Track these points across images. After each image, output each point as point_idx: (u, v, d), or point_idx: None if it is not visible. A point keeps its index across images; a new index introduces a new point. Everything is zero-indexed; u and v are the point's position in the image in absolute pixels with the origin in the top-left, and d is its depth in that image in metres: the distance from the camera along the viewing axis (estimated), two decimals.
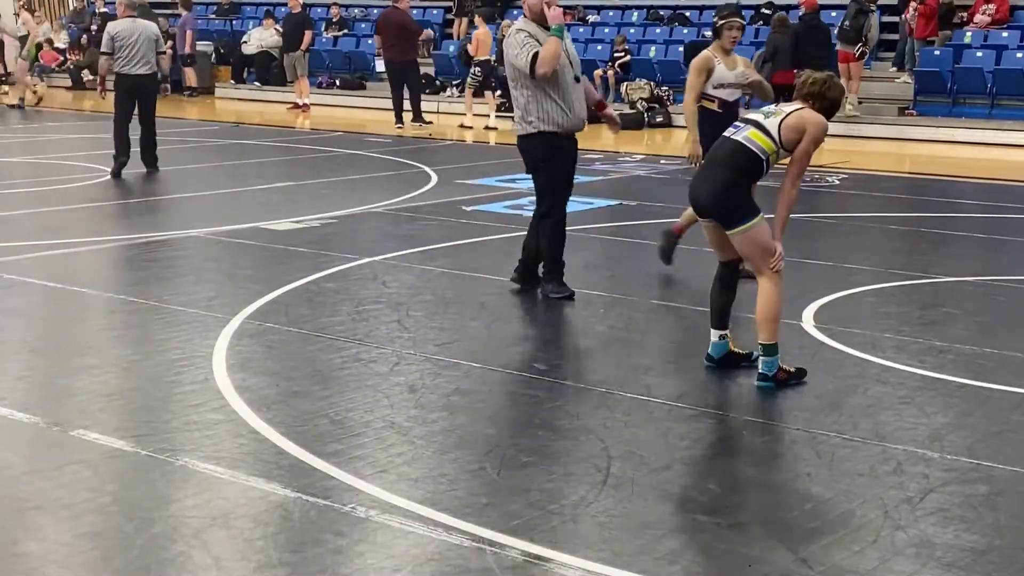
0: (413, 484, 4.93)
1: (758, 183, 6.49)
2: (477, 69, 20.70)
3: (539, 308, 8.00)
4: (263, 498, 4.75)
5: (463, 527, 4.47)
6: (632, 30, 23.85)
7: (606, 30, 24.30)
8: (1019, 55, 19.04)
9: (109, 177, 14.02)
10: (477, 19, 21.61)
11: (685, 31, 23.13)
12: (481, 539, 4.38)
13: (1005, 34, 19.90)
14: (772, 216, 6.34)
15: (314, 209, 11.77)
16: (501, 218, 11.41)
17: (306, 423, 5.65)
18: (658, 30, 23.64)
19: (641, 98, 20.79)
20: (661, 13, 24.53)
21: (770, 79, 19.22)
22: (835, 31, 19.10)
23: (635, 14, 24.88)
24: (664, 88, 21.18)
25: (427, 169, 14.92)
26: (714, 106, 8.69)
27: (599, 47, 23.20)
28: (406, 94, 20.10)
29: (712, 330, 6.50)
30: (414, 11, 27.49)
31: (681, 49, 21.94)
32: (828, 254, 8.21)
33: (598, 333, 7.54)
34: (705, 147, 8.09)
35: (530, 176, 8.43)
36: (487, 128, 20.28)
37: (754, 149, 6.25)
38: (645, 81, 21.15)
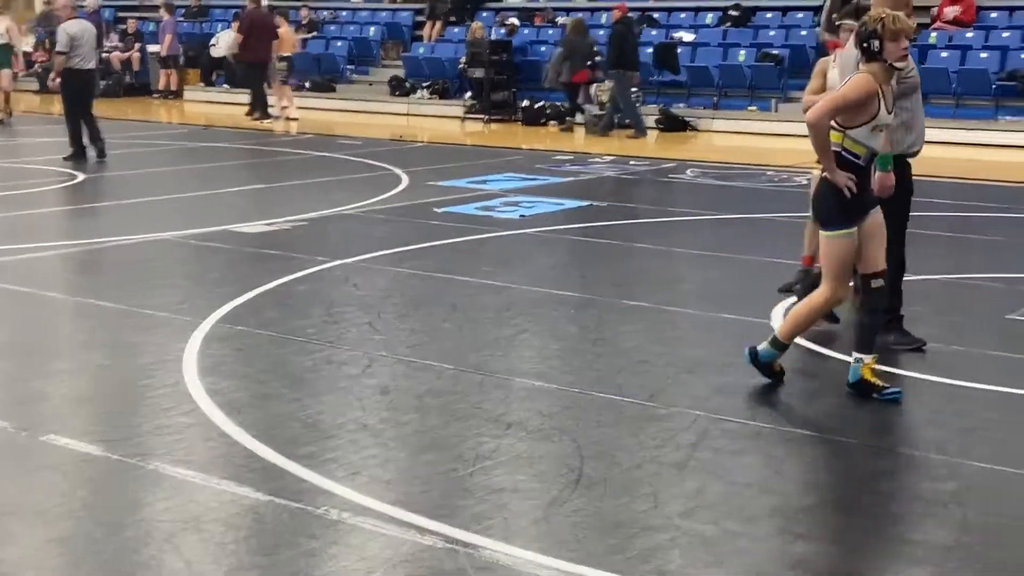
0: (386, 486, 4.93)
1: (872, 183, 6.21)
2: (283, 64, 22.07)
3: (511, 310, 8.01)
4: (235, 501, 4.73)
5: (436, 528, 4.47)
6: (601, 32, 23.89)
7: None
8: (983, 55, 19.20)
9: (78, 177, 14.06)
10: (278, 18, 22.67)
11: (654, 32, 23.19)
12: (454, 540, 4.38)
13: (970, 34, 20.05)
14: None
15: (285, 211, 11.74)
16: (472, 219, 11.41)
17: (278, 426, 5.63)
18: None
19: (610, 100, 20.82)
20: (631, 15, 24.57)
21: (569, 79, 19.88)
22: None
23: (604, 16, 24.92)
24: (633, 89, 21.21)
25: (398, 171, 14.91)
26: None
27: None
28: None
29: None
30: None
31: (650, 51, 22.00)
32: (799, 253, 8.27)
33: (570, 334, 7.55)
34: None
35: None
36: (288, 119, 21.57)
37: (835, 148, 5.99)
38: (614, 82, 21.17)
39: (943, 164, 15.93)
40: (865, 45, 5.88)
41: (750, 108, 20.51)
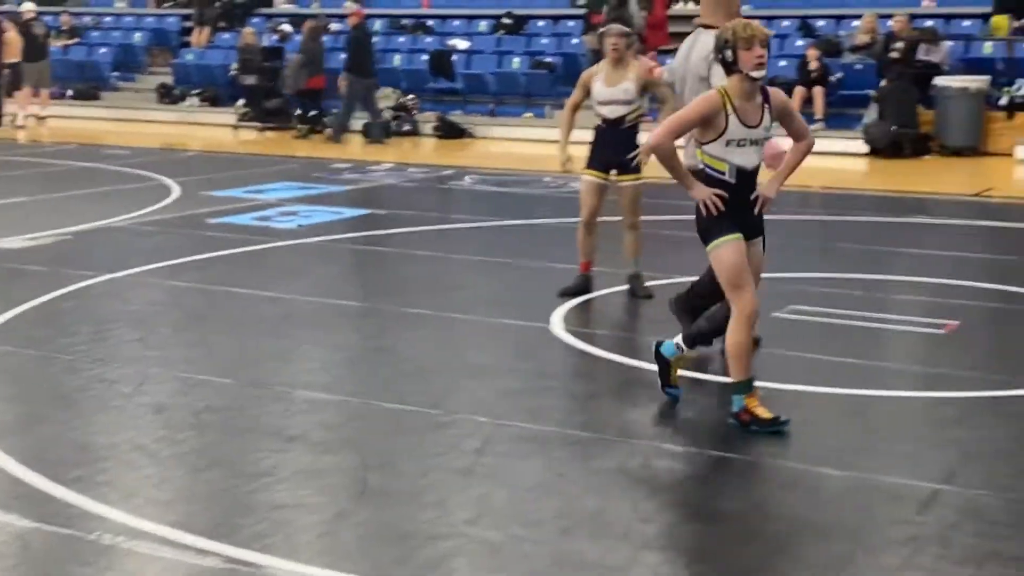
0: (163, 507, 4.77)
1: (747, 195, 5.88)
2: (7, 71, 21.78)
3: (289, 321, 7.88)
4: None
5: (216, 549, 4.35)
6: (376, 38, 23.82)
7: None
8: (782, 63, 19.95)
9: None
10: (6, 23, 22.21)
11: (428, 40, 23.27)
12: (235, 560, 4.27)
13: None
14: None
15: (49, 225, 11.24)
16: (248, 230, 11.18)
17: (46, 449, 5.38)
18: (401, 39, 23.69)
19: (387, 107, 20.81)
20: (404, 22, 24.60)
21: (305, 84, 20.16)
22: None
23: (377, 23, 24.85)
24: (410, 97, 21.26)
25: (168, 181, 14.48)
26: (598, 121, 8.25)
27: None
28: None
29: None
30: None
31: (425, 58, 22.07)
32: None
33: (351, 344, 7.48)
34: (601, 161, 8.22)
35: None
36: (17, 127, 21.23)
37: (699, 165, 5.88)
38: (391, 89, 21.17)
39: None
40: (721, 57, 5.64)
41: (526, 115, 20.80)
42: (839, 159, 17.53)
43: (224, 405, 6.06)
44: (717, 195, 5.68)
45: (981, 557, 4.34)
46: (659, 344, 6.12)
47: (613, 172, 8.26)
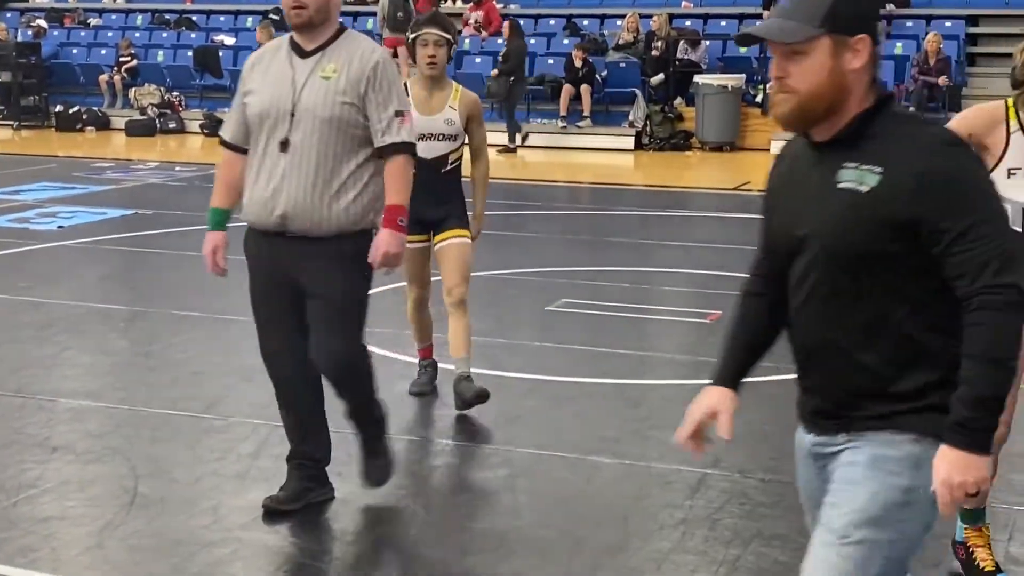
0: None
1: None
2: None
3: (52, 327, 7.57)
4: None
5: None
6: (138, 34, 23.12)
7: (110, 34, 23.38)
8: (550, 62, 20.23)
9: None
10: None
11: (193, 35, 22.72)
12: None
13: (501, 40, 21.06)
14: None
15: None
16: (4, 232, 10.68)
17: None
18: (164, 34, 23.07)
19: (152, 104, 20.25)
20: (167, 17, 23.96)
21: None
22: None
23: (139, 17, 24.14)
24: (175, 93, 20.74)
25: None
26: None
27: (103, 51, 22.31)
28: None
29: None
30: None
31: (190, 54, 21.55)
32: None
33: (119, 349, 7.24)
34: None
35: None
36: None
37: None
38: (155, 86, 20.60)
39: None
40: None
41: None
42: (606, 155, 18.01)
43: None
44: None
45: (747, 537, 4.53)
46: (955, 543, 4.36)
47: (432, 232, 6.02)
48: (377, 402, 4.75)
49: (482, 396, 5.87)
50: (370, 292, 4.61)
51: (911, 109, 17.15)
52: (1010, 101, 3.91)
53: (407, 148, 4.46)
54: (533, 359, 6.93)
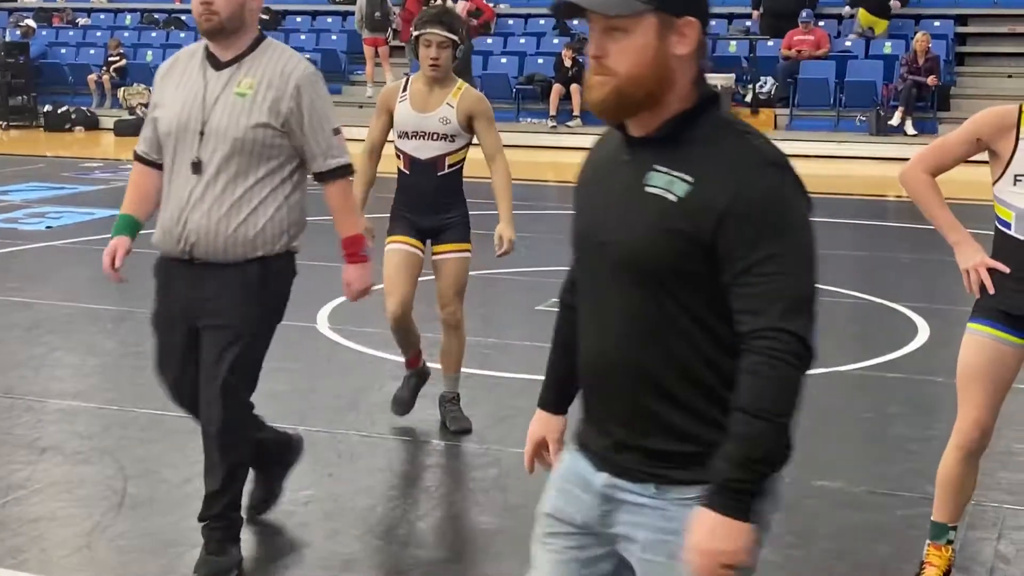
0: None
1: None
2: None
3: (41, 327, 7.55)
4: None
5: None
6: (126, 33, 23.08)
7: (98, 33, 23.35)
8: (503, 60, 20.25)
9: None
10: None
11: (182, 35, 22.69)
12: None
13: (490, 40, 21.09)
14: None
15: None
16: None
17: None
18: (154, 34, 23.03)
19: (140, 103, 20.21)
20: (156, 16, 23.92)
21: None
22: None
23: (128, 17, 24.10)
24: None
25: None
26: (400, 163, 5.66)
27: (92, 51, 22.28)
28: None
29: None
30: None
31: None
32: (335, 255, 8.35)
33: (108, 349, 7.22)
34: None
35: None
36: None
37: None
38: (144, 86, 20.55)
39: (468, 164, 16.64)
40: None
41: None
42: None
43: None
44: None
45: None
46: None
47: (429, 241, 5.70)
48: (241, 480, 4.19)
49: (465, 432, 5.61)
50: (278, 324, 4.28)
51: (899, 109, 17.26)
52: (1022, 105, 3.79)
53: (349, 171, 4.18)
54: (523, 359, 6.92)
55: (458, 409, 5.71)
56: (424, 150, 5.50)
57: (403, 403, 5.78)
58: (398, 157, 5.57)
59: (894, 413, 6.03)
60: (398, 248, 5.54)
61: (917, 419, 5.93)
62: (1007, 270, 3.78)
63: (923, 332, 7.41)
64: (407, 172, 5.56)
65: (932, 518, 4.06)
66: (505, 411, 6.03)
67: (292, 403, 6.07)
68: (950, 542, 4.07)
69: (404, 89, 5.55)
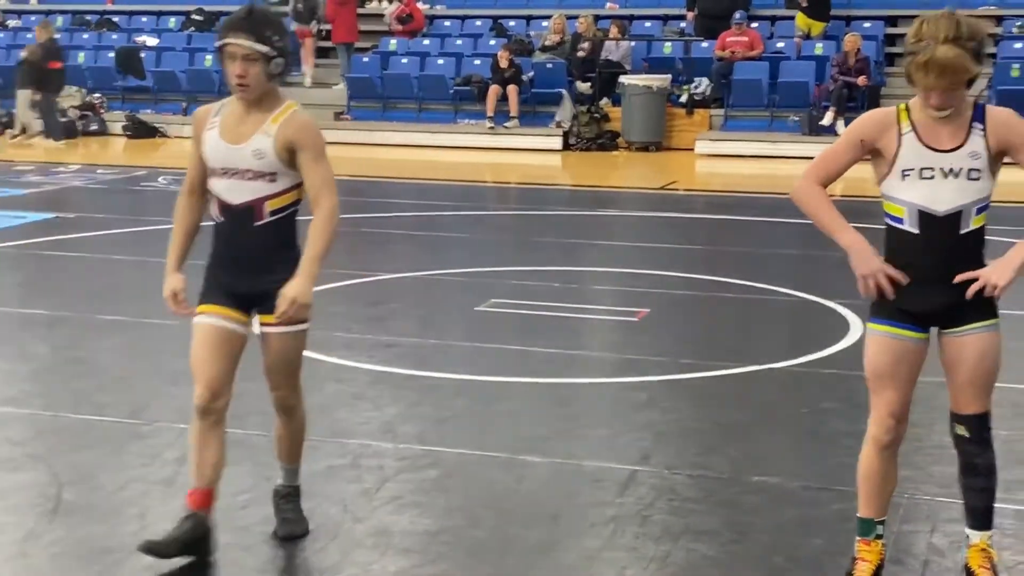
0: None
1: None
2: None
3: None
4: None
5: None
6: (58, 35, 22.77)
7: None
8: (440, 62, 20.23)
9: None
10: None
11: (115, 36, 22.43)
12: None
13: (427, 42, 21.06)
14: None
15: None
16: None
17: None
18: (85, 35, 22.74)
19: (72, 106, 19.96)
20: (88, 18, 23.62)
21: None
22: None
23: (60, 18, 23.76)
24: (96, 95, 20.47)
25: None
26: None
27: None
28: None
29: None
30: None
31: (111, 55, 21.27)
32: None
33: (41, 354, 7.12)
34: None
35: None
36: None
37: None
38: (76, 88, 20.32)
39: (407, 166, 16.65)
40: None
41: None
42: (534, 155, 18.06)
43: None
44: None
45: (676, 533, 4.56)
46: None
47: (255, 310, 4.42)
48: None
49: (297, 538, 4.46)
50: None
51: (831, 109, 17.44)
52: (902, 106, 3.90)
53: None
54: (462, 359, 6.93)
55: (293, 508, 4.54)
56: (237, 192, 4.23)
57: (159, 552, 4.19)
58: (209, 201, 4.39)
59: (829, 408, 6.10)
60: (205, 323, 4.38)
61: (851, 414, 6.00)
62: (906, 281, 3.86)
63: (856, 329, 7.51)
64: (221, 220, 4.35)
65: (858, 514, 4.12)
66: (444, 412, 6.03)
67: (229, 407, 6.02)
68: (879, 536, 4.12)
69: (216, 113, 4.26)
